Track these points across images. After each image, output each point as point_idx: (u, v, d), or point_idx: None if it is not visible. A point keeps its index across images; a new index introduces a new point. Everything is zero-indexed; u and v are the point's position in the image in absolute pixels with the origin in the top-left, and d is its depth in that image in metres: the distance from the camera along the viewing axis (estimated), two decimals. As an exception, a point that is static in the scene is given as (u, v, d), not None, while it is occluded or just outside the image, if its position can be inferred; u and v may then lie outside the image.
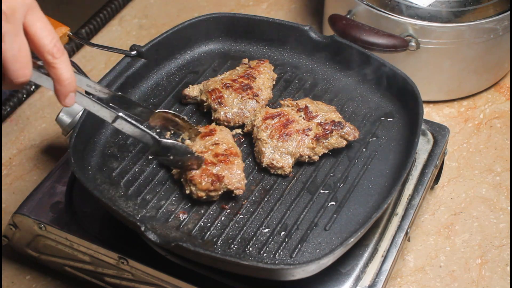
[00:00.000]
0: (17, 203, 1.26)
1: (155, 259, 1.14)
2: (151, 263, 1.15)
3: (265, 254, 1.10)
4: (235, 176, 1.15)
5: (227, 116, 1.26)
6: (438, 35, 1.45)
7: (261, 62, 1.32)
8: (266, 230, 1.14)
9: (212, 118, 1.27)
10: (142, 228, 1.07)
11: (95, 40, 1.73)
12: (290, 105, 1.26)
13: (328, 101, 1.32)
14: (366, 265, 1.15)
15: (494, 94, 1.59)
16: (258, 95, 1.28)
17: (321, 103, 1.27)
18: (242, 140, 1.26)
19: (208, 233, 1.13)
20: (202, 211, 1.16)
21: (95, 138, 1.25)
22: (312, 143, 1.21)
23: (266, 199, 1.18)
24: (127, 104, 1.13)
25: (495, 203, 1.40)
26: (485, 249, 1.33)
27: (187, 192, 1.15)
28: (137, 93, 1.33)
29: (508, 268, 1.30)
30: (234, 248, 1.11)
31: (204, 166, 1.15)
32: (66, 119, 1.31)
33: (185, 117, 1.19)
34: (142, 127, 1.08)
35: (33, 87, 1.61)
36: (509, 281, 1.28)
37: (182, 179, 1.17)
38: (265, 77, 1.30)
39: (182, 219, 1.15)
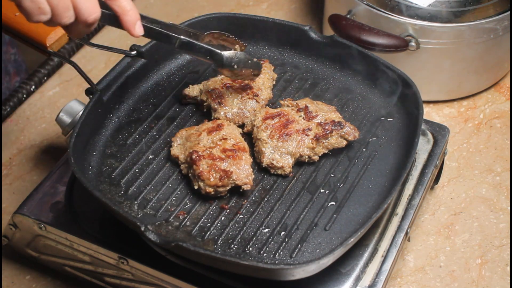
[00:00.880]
0: (17, 203, 1.26)
1: (155, 259, 1.14)
2: (151, 263, 1.15)
3: (265, 254, 1.10)
4: (243, 171, 1.15)
5: (227, 116, 1.26)
6: (438, 35, 1.45)
7: (261, 62, 1.32)
8: (266, 230, 1.14)
9: (212, 118, 1.27)
10: (142, 228, 1.07)
11: (95, 40, 1.72)
12: (290, 105, 1.26)
13: (328, 101, 1.32)
14: (366, 265, 1.15)
15: (494, 94, 1.59)
16: (258, 95, 1.28)
17: (321, 103, 1.27)
18: (242, 140, 1.26)
19: (208, 233, 1.13)
20: (202, 211, 1.16)
21: (95, 138, 1.25)
22: (312, 143, 1.21)
23: (266, 199, 1.18)
24: (181, 31, 1.18)
25: (495, 203, 1.40)
26: (485, 249, 1.33)
27: (195, 187, 1.16)
28: (137, 93, 1.33)
29: (508, 268, 1.30)
30: (234, 248, 1.11)
31: (212, 162, 1.15)
32: (66, 119, 1.31)
33: (229, 34, 1.24)
34: (204, 44, 1.17)
35: (33, 87, 1.61)
36: (509, 281, 1.28)
37: (190, 174, 1.17)
38: (265, 77, 1.30)
39: (182, 219, 1.15)
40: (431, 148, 1.30)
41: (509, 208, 1.39)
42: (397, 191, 1.16)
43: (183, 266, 1.12)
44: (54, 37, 1.26)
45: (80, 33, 1.06)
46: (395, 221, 1.21)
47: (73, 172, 1.14)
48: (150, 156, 1.24)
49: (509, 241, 1.34)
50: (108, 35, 1.74)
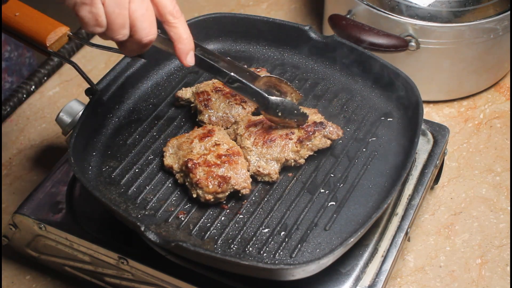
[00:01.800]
0: (17, 203, 1.26)
1: (155, 259, 1.14)
2: (151, 263, 1.15)
3: (265, 254, 1.10)
4: (241, 176, 1.15)
5: (211, 119, 1.26)
6: (438, 35, 1.45)
7: (258, 70, 1.32)
8: (266, 230, 1.14)
9: (197, 119, 1.27)
10: (142, 228, 1.07)
11: (95, 40, 1.72)
12: None
13: (328, 101, 1.32)
14: (366, 265, 1.15)
15: (494, 94, 1.59)
16: (245, 102, 1.27)
17: (303, 107, 1.26)
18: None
19: (208, 233, 1.13)
20: (202, 211, 1.16)
21: (95, 138, 1.25)
22: (296, 146, 1.20)
23: (266, 199, 1.18)
24: (235, 69, 1.17)
25: (495, 203, 1.40)
26: (485, 249, 1.33)
27: (194, 196, 1.15)
28: (137, 93, 1.33)
29: (508, 268, 1.30)
30: (234, 248, 1.11)
31: (208, 169, 1.15)
32: (66, 119, 1.31)
33: (287, 82, 1.24)
34: (253, 86, 1.17)
35: (33, 87, 1.61)
36: (509, 281, 1.28)
37: (186, 183, 1.17)
38: None
39: (182, 219, 1.15)
40: (431, 148, 1.30)
41: (509, 208, 1.39)
42: (397, 191, 1.16)
43: (183, 266, 1.12)
44: (54, 37, 1.26)
45: (133, 51, 1.05)
46: (395, 221, 1.21)
47: (73, 172, 1.14)
48: (150, 156, 1.24)
49: (509, 241, 1.34)
50: (108, 35, 1.74)
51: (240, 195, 1.16)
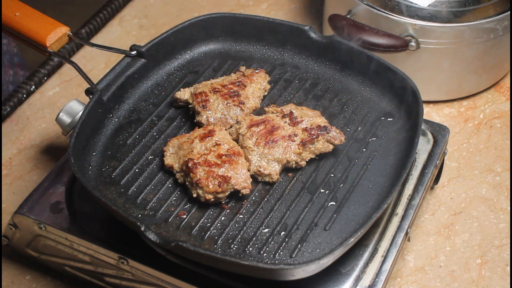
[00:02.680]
0: (17, 203, 1.26)
1: (155, 259, 1.14)
2: (151, 263, 1.15)
3: (265, 254, 1.10)
4: (241, 175, 1.15)
5: (209, 120, 1.25)
6: (438, 35, 1.45)
7: (256, 71, 1.32)
8: (266, 230, 1.14)
9: (195, 121, 1.27)
10: (142, 228, 1.07)
11: (95, 40, 1.73)
12: (274, 111, 1.25)
13: (328, 101, 1.32)
14: (366, 265, 1.15)
15: (494, 94, 1.59)
16: (244, 103, 1.27)
17: (305, 108, 1.26)
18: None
19: (208, 233, 1.13)
20: (202, 211, 1.16)
21: (95, 138, 1.25)
22: (299, 149, 1.20)
23: (266, 199, 1.18)
24: None
25: (495, 203, 1.40)
26: (485, 249, 1.33)
27: (194, 195, 1.15)
28: (137, 93, 1.33)
29: (508, 268, 1.30)
30: (234, 248, 1.11)
31: (208, 168, 1.15)
32: (66, 119, 1.31)
33: None
34: None
35: (33, 87, 1.61)
36: (509, 281, 1.28)
37: (187, 183, 1.17)
38: (256, 87, 1.30)
39: (182, 219, 1.15)
40: (431, 148, 1.31)
41: (509, 208, 1.39)
42: (397, 191, 1.16)
43: (183, 266, 1.12)
44: (54, 37, 1.26)
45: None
46: (395, 221, 1.21)
47: (73, 172, 1.14)
48: (150, 156, 1.24)
49: (509, 241, 1.34)
50: (108, 35, 1.74)
51: (240, 195, 1.16)
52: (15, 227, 1.24)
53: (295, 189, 1.19)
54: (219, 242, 1.12)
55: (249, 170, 1.19)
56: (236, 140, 1.23)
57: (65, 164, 1.29)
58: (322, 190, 1.19)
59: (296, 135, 1.21)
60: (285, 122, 1.23)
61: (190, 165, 1.15)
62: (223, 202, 1.17)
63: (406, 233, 1.21)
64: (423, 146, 1.31)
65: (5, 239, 1.28)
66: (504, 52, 1.54)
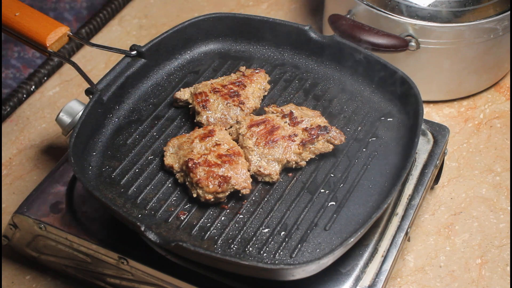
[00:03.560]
0: (17, 203, 1.26)
1: (155, 259, 1.14)
2: (151, 263, 1.15)
3: (265, 254, 1.10)
4: (241, 176, 1.15)
5: (209, 120, 1.25)
6: (438, 35, 1.45)
7: (256, 71, 1.32)
8: (266, 230, 1.14)
9: (195, 121, 1.27)
10: (142, 228, 1.07)
11: (95, 40, 1.73)
12: (274, 111, 1.25)
13: (328, 101, 1.32)
14: (366, 265, 1.15)
15: (494, 94, 1.59)
16: (243, 103, 1.27)
17: (305, 109, 1.26)
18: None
19: (208, 233, 1.13)
20: (202, 211, 1.16)
21: (95, 138, 1.25)
22: (299, 149, 1.20)
23: (266, 199, 1.18)
24: None
25: (495, 203, 1.40)
26: (485, 249, 1.33)
27: (194, 195, 1.15)
28: (137, 93, 1.33)
29: (508, 268, 1.30)
30: (234, 248, 1.11)
31: (208, 168, 1.15)
32: (66, 119, 1.31)
33: None
34: None
35: (33, 87, 1.61)
36: (509, 281, 1.28)
37: (187, 183, 1.17)
38: (256, 87, 1.30)
39: (182, 219, 1.15)
40: (431, 148, 1.31)
41: (509, 208, 1.39)
42: (397, 191, 1.16)
43: (183, 266, 1.12)
44: (54, 37, 1.26)
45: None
46: (395, 221, 1.21)
47: (73, 172, 1.14)
48: (150, 156, 1.24)
49: (509, 241, 1.34)
50: (108, 35, 1.74)
51: (240, 195, 1.16)
52: (15, 227, 1.24)
53: (295, 189, 1.19)
54: (219, 242, 1.12)
55: (249, 170, 1.19)
56: (236, 140, 1.23)
57: (65, 164, 1.29)
58: (322, 190, 1.19)
59: (296, 135, 1.21)
60: (285, 122, 1.23)
61: (190, 165, 1.15)
62: (223, 202, 1.17)
63: (406, 233, 1.21)
64: (423, 146, 1.31)
65: (5, 239, 1.28)
66: (504, 52, 1.54)
